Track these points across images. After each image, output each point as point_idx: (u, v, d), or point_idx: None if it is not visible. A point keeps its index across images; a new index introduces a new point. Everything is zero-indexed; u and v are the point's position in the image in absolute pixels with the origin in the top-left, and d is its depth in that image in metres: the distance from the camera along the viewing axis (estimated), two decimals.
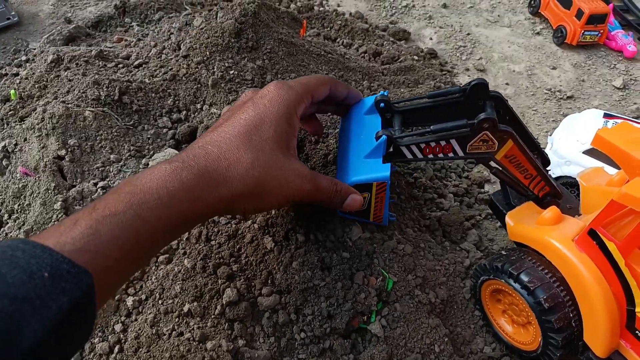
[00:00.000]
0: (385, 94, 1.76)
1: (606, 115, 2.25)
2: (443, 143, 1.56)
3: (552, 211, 1.58)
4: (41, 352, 0.66)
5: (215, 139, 1.13)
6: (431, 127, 1.53)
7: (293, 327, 1.53)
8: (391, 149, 1.65)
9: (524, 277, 1.51)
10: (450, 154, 1.59)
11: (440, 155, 1.60)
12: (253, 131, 1.16)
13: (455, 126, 1.50)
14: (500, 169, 1.63)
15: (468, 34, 3.33)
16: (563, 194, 1.81)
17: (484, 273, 1.66)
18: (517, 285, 1.53)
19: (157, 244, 1.04)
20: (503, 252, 1.70)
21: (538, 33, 3.37)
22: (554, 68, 3.06)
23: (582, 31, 3.09)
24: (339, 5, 3.53)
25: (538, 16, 3.51)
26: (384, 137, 1.59)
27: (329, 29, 3.13)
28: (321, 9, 3.33)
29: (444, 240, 1.94)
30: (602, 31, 3.13)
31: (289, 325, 1.54)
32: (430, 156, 1.61)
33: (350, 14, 3.38)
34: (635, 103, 2.82)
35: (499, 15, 3.56)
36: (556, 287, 1.49)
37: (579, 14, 3.09)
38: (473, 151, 1.55)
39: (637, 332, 1.37)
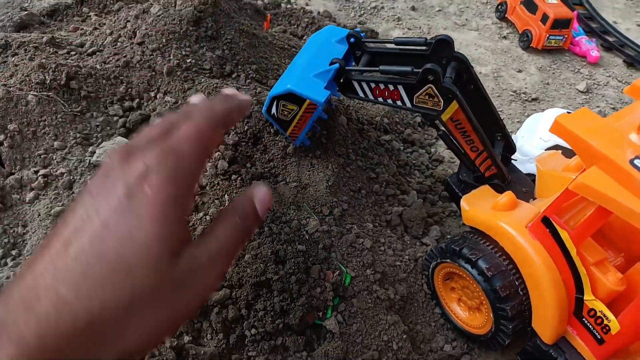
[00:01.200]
0: (358, 30, 1.77)
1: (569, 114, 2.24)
2: (391, 87, 1.58)
3: (507, 196, 1.55)
4: None
5: (65, 277, 0.54)
6: (380, 67, 1.55)
7: (243, 323, 1.44)
8: (342, 81, 1.69)
9: (482, 264, 1.48)
10: (399, 102, 1.60)
11: (390, 100, 1.61)
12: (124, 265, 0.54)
13: (400, 70, 1.52)
14: (447, 132, 1.61)
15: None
16: (517, 179, 1.79)
17: (439, 256, 1.63)
18: (474, 271, 1.50)
19: None
20: (456, 236, 1.66)
21: (505, 37, 3.39)
22: (519, 71, 3.07)
23: (547, 35, 3.11)
24: (307, 4, 3.48)
25: (505, 21, 3.53)
26: (337, 65, 1.65)
27: (295, 26, 3.07)
28: (288, 6, 3.28)
29: (404, 235, 1.89)
30: (566, 36, 3.16)
31: (239, 321, 1.45)
32: (380, 99, 1.64)
33: (319, 12, 3.34)
34: (598, 106, 2.84)
35: (466, 19, 3.56)
36: (512, 275, 1.46)
37: (544, 18, 3.11)
38: (419, 104, 1.55)
39: (584, 319, 1.35)
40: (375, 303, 1.54)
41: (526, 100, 2.83)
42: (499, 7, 3.56)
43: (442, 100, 1.49)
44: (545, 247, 1.39)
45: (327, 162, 1.83)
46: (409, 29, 3.39)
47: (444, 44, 1.58)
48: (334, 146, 1.91)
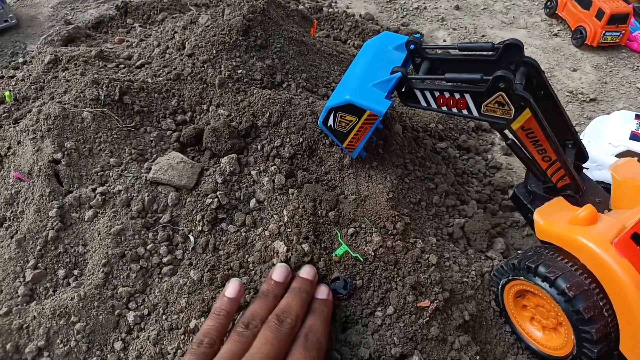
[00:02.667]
0: (418, 36, 1.70)
1: (638, 117, 2.12)
2: (457, 96, 1.50)
3: (588, 210, 1.45)
4: None
5: None
6: (445, 75, 1.46)
7: None
8: (404, 90, 1.62)
9: (562, 283, 1.38)
10: (465, 111, 1.51)
11: (455, 109, 1.53)
12: None
13: (469, 78, 1.43)
14: (517, 142, 1.52)
15: (483, 36, 3.21)
16: (589, 188, 1.69)
17: (511, 273, 1.54)
18: (552, 291, 1.41)
19: None
20: (529, 252, 1.57)
21: (556, 34, 3.25)
22: (574, 70, 2.93)
23: (603, 32, 2.97)
24: (348, 7, 3.41)
25: (555, 17, 3.39)
26: (399, 73, 1.58)
27: (338, 30, 3.01)
28: (330, 10, 3.22)
29: (467, 248, 1.80)
30: (623, 32, 3.00)
31: None
32: (444, 108, 1.56)
33: (361, 15, 3.26)
34: None
35: (514, 17, 3.44)
36: (596, 295, 1.36)
37: (600, 14, 2.97)
38: (488, 113, 1.46)
39: None
40: (445, 324, 1.47)
41: (584, 101, 2.69)
42: (548, 3, 3.42)
43: (513, 108, 1.41)
44: (635, 265, 1.29)
45: (385, 174, 1.76)
46: (454, 29, 3.29)
47: (513, 48, 1.50)
48: (390, 156, 1.84)
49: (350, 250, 1.50)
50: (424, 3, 3.53)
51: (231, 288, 1.34)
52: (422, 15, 3.43)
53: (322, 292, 1.36)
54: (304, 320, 1.29)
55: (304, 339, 1.21)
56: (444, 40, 3.18)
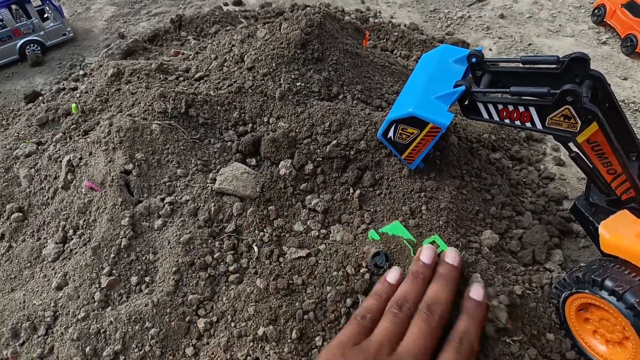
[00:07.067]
0: (480, 49, 1.72)
1: None
2: (522, 109, 1.50)
3: None
4: None
5: None
6: (511, 88, 1.47)
7: None
8: (466, 103, 1.63)
9: (630, 297, 1.37)
10: (528, 124, 1.52)
11: (518, 122, 1.53)
12: None
13: (536, 92, 1.43)
14: (581, 154, 1.51)
15: (529, 45, 3.20)
16: None
17: (574, 286, 1.53)
18: (620, 305, 1.39)
19: None
20: (593, 264, 1.56)
21: (604, 42, 3.21)
22: (625, 79, 2.89)
23: None
24: (392, 17, 3.44)
25: (603, 25, 3.34)
26: (463, 87, 1.59)
27: (385, 40, 3.04)
28: (376, 20, 3.25)
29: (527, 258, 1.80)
30: None
31: None
32: (507, 121, 1.56)
33: (405, 25, 3.29)
34: None
35: (560, 25, 3.41)
36: None
37: None
38: (552, 126, 1.46)
39: None
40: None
41: (636, 110, 2.66)
42: (596, 10, 3.38)
43: (579, 122, 1.41)
44: None
45: (443, 185, 1.78)
46: (499, 38, 3.28)
47: (579, 62, 1.50)
48: (448, 167, 1.86)
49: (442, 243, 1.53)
50: (468, 12, 3.53)
51: (393, 274, 1.44)
52: (466, 24, 3.43)
53: (476, 291, 1.41)
54: (453, 312, 1.35)
55: (458, 342, 1.27)
56: (490, 50, 3.18)
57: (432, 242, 1.57)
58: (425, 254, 1.43)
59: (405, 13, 3.52)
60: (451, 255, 1.44)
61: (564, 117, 1.44)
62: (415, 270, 1.42)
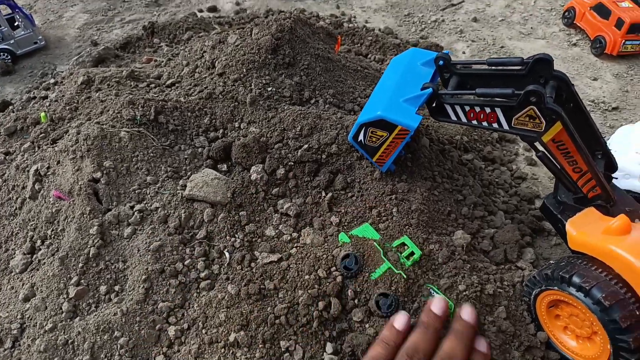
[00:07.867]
0: (448, 52, 1.74)
1: None
2: (488, 110, 1.53)
3: (621, 220, 1.47)
4: None
5: None
6: (476, 89, 1.50)
7: None
8: (434, 105, 1.65)
9: (597, 293, 1.39)
10: (495, 124, 1.55)
11: (485, 123, 1.56)
12: None
13: (500, 93, 1.46)
14: (547, 154, 1.54)
15: (502, 47, 3.24)
16: (619, 198, 1.70)
17: (544, 283, 1.55)
18: (587, 300, 1.42)
19: None
20: (561, 262, 1.58)
21: (574, 44, 3.26)
22: (594, 79, 2.94)
23: (623, 41, 2.97)
24: (367, 22, 3.46)
25: (573, 27, 3.40)
26: (430, 89, 1.62)
27: (359, 45, 3.05)
28: (350, 25, 3.27)
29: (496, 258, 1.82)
30: None
31: None
32: (475, 122, 1.59)
33: (380, 29, 3.31)
34: None
35: (532, 28, 3.46)
36: (632, 304, 1.37)
37: (619, 23, 2.98)
38: (518, 126, 1.49)
39: None
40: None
41: (606, 110, 2.70)
42: (566, 13, 3.44)
43: (544, 121, 1.43)
44: None
45: (415, 186, 1.79)
46: (472, 40, 3.32)
47: (543, 62, 1.53)
48: (419, 169, 1.87)
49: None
50: (441, 16, 3.57)
51: (401, 321, 1.37)
52: (440, 28, 3.46)
53: (468, 313, 1.36)
54: None
55: None
56: (464, 52, 3.21)
57: (402, 244, 1.57)
58: (437, 305, 1.38)
59: (380, 17, 3.55)
60: (467, 312, 1.41)
61: (529, 117, 1.46)
62: (426, 321, 1.37)
